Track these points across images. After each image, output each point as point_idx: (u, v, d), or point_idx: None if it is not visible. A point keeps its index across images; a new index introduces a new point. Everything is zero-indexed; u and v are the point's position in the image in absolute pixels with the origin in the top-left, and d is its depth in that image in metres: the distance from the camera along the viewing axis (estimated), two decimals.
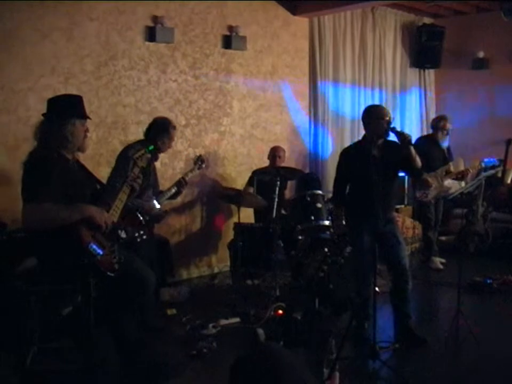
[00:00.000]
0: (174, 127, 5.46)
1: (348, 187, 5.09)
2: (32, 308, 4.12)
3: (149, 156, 4.61)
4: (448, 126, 7.27)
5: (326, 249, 5.64)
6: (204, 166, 6.12)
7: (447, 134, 7.28)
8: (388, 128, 4.74)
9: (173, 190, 5.66)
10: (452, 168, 7.43)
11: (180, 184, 5.70)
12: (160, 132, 5.34)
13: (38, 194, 3.58)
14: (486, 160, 7.18)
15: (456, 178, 7.22)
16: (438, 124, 7.35)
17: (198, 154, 6.29)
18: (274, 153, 7.07)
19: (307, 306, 5.23)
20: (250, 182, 7.00)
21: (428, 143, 7.29)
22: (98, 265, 3.62)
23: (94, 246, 3.64)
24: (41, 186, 3.60)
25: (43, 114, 3.91)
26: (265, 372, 1.74)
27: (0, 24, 5.47)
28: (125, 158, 5.12)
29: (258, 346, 3.55)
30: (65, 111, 3.84)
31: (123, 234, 3.98)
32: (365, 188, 4.67)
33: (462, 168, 7.60)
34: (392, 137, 4.85)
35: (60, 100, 3.99)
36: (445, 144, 7.30)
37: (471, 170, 7.23)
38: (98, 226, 3.71)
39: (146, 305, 5.08)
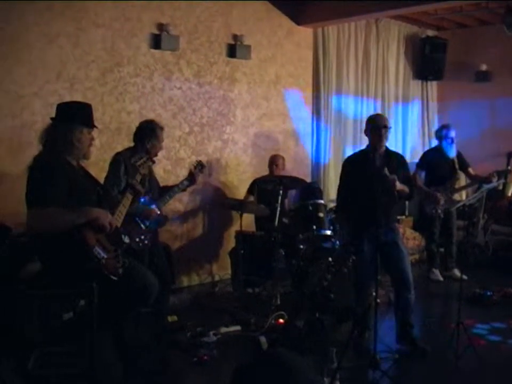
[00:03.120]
0: (161, 128, 5.38)
1: (350, 195, 5.11)
2: (34, 312, 4.12)
3: (150, 163, 4.63)
4: (453, 134, 7.26)
5: (330, 259, 5.64)
6: (203, 171, 6.04)
7: (452, 142, 7.25)
8: (383, 136, 4.83)
9: (168, 198, 5.63)
10: (472, 171, 7.41)
11: (174, 192, 5.67)
12: (147, 135, 5.31)
13: (43, 198, 3.60)
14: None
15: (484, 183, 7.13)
16: (440, 133, 7.36)
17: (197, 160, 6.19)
18: (272, 161, 7.11)
19: (308, 315, 5.23)
20: (250, 191, 7.01)
21: (434, 155, 7.29)
22: (102, 268, 3.63)
23: (98, 250, 3.65)
24: (46, 191, 3.62)
25: (51, 118, 3.93)
26: (273, 376, 1.75)
27: (7, 29, 5.51)
28: (117, 166, 5.13)
29: (265, 352, 3.55)
30: (74, 117, 3.86)
31: (126, 239, 3.99)
32: (366, 196, 4.69)
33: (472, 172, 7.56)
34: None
35: (70, 107, 4.02)
36: (451, 154, 7.28)
37: (495, 175, 7.07)
38: (103, 227, 3.71)
39: (160, 310, 5.12)
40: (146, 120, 5.53)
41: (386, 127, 4.89)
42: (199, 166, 5.92)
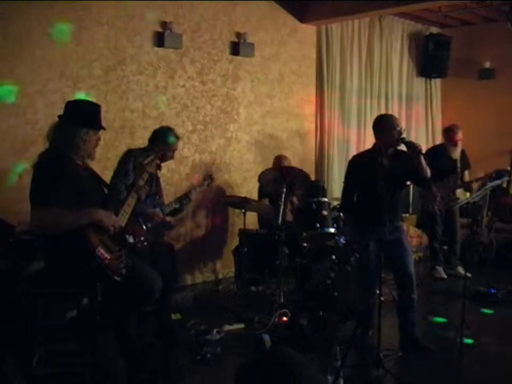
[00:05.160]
0: (176, 138, 5.45)
1: (355, 194, 5.09)
2: (38, 310, 4.12)
3: (158, 162, 4.64)
4: (457, 137, 7.21)
5: (333, 257, 5.63)
6: (212, 184, 6.22)
7: (456, 145, 7.24)
8: (399, 138, 4.74)
9: (175, 206, 5.66)
10: (467, 177, 7.40)
11: (183, 200, 5.70)
12: (159, 141, 5.35)
13: (47, 198, 3.58)
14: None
15: (464, 189, 7.17)
16: (446, 135, 7.35)
17: (209, 173, 6.30)
18: (279, 162, 7.05)
19: (312, 313, 5.23)
20: (260, 195, 6.97)
21: (437, 153, 7.26)
22: (105, 269, 3.62)
23: (102, 250, 3.65)
24: (51, 190, 3.60)
25: (59, 116, 3.91)
26: (277, 374, 1.74)
27: (10, 28, 5.51)
28: (127, 160, 5.16)
29: (268, 350, 3.54)
30: (81, 119, 3.84)
31: (130, 239, 4.00)
32: (372, 196, 4.67)
33: (467, 177, 7.55)
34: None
35: (78, 106, 3.99)
36: (454, 155, 7.25)
37: (475, 183, 7.12)
38: (107, 229, 3.72)
39: (163, 308, 5.12)
40: (164, 127, 5.61)
41: (401, 129, 4.83)
42: (209, 178, 6.01)
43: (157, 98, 6.59)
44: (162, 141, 5.36)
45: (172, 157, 5.52)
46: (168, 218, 5.57)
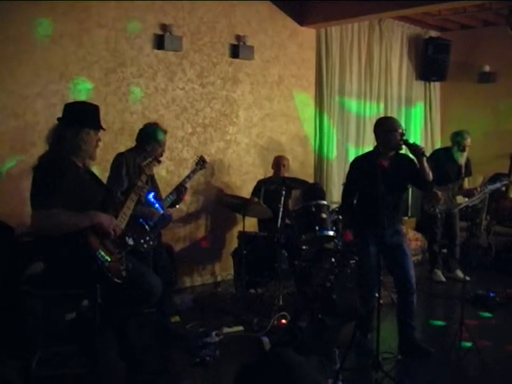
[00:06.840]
0: (164, 132, 5.39)
1: (356, 197, 5.08)
2: (38, 312, 4.12)
3: (156, 164, 4.63)
4: (466, 142, 7.19)
5: (333, 259, 5.63)
6: (205, 166, 6.01)
7: (463, 150, 7.23)
8: (401, 140, 4.75)
9: (173, 198, 5.62)
10: (466, 185, 7.38)
11: (179, 190, 5.66)
12: (147, 138, 5.32)
13: (48, 199, 3.58)
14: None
15: (464, 196, 7.16)
16: (454, 139, 7.31)
17: (199, 156, 6.06)
18: (279, 162, 7.07)
19: (311, 316, 5.23)
20: (254, 192, 6.99)
21: (443, 156, 7.26)
22: (106, 272, 3.62)
23: (102, 253, 3.64)
24: (52, 192, 3.59)
25: (58, 119, 3.91)
26: (277, 377, 1.74)
27: (10, 29, 5.51)
28: (119, 166, 5.14)
29: (267, 352, 3.53)
30: (81, 119, 3.84)
31: (131, 241, 3.99)
32: (373, 199, 4.66)
33: (466, 184, 7.52)
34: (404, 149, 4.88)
35: (78, 108, 3.99)
36: (460, 161, 7.25)
37: (478, 189, 7.08)
38: (107, 233, 3.71)
39: (162, 310, 5.12)
40: (149, 123, 5.53)
41: (403, 131, 4.84)
42: (201, 161, 5.92)
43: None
44: (151, 139, 5.31)
45: (163, 151, 5.45)
46: (168, 211, 5.53)
